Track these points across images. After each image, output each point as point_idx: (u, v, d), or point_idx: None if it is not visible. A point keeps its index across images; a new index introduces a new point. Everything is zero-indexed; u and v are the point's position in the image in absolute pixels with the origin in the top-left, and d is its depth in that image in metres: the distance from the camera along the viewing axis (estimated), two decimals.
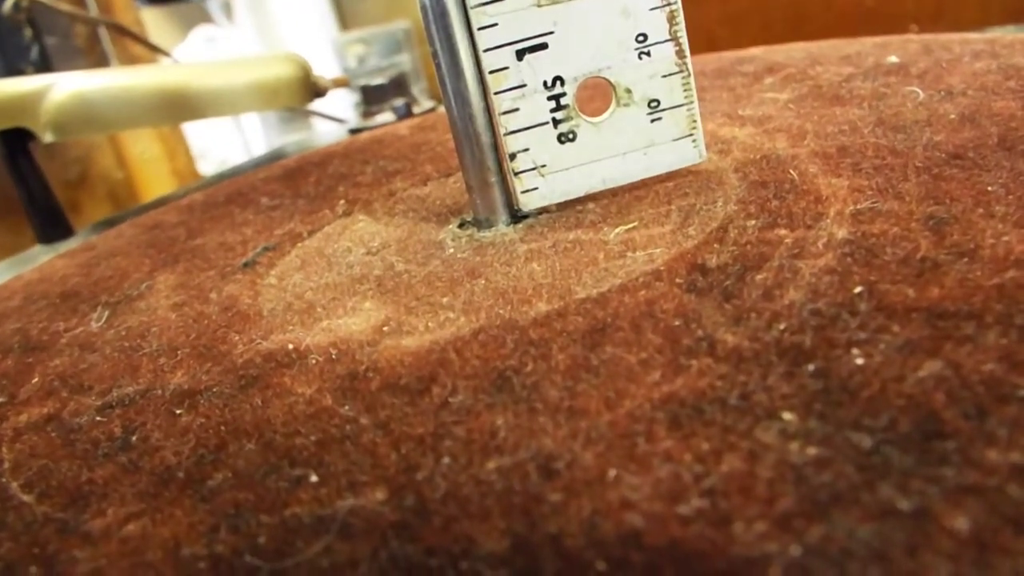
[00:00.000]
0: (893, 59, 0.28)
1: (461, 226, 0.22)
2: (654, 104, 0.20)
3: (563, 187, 0.21)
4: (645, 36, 0.20)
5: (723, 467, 0.10)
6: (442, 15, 0.19)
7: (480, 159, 0.20)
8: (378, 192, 0.28)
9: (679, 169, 0.21)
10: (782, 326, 0.13)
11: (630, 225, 0.19)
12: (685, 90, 0.20)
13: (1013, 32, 0.34)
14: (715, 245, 0.17)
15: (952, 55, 0.27)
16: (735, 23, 0.56)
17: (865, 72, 0.27)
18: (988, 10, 0.48)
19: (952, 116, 0.21)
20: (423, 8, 0.19)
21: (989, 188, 0.16)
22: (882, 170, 0.18)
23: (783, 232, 0.16)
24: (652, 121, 0.20)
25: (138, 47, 0.76)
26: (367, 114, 0.48)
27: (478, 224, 0.21)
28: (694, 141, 0.21)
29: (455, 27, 0.19)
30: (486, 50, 0.19)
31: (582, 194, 0.21)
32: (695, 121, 0.20)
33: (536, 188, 0.20)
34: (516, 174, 0.20)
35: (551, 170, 0.20)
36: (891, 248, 0.14)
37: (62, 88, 0.36)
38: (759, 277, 0.15)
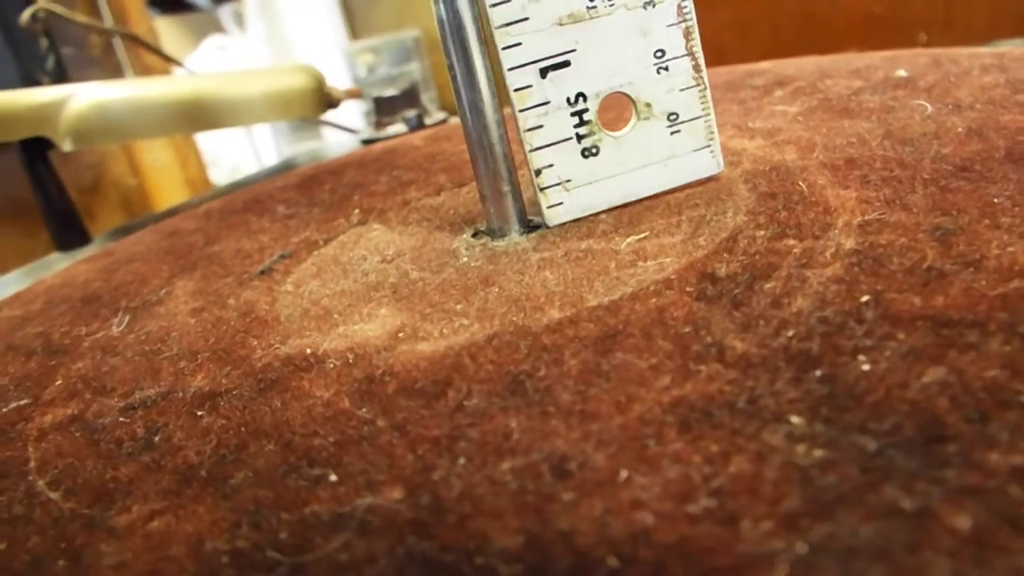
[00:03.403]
0: (902, 73, 0.28)
1: (475, 235, 0.22)
2: (673, 117, 0.21)
3: (587, 201, 0.21)
4: (663, 52, 0.20)
5: (731, 468, 0.10)
6: (458, 28, 0.19)
7: (494, 169, 0.21)
8: (392, 201, 0.28)
9: (690, 180, 0.22)
10: (790, 333, 0.13)
11: (641, 235, 0.19)
12: (702, 102, 0.21)
13: (1022, 46, 0.35)
14: (724, 255, 0.17)
15: (961, 69, 0.27)
16: (744, 30, 0.56)
17: (874, 85, 0.27)
18: (998, 20, 0.48)
19: (960, 129, 0.21)
20: (439, 21, 0.20)
21: (995, 200, 0.16)
22: (890, 182, 0.18)
23: (792, 242, 0.17)
24: (672, 134, 0.21)
25: (152, 57, 0.77)
26: (379, 125, 0.48)
27: (491, 233, 0.22)
28: (712, 152, 0.21)
29: (471, 40, 0.19)
30: (510, 69, 0.20)
31: (605, 208, 0.21)
32: (712, 132, 0.21)
33: (561, 203, 0.21)
34: (541, 190, 0.21)
35: (575, 185, 0.21)
36: (898, 258, 0.15)
37: (82, 98, 0.37)
38: (768, 286, 0.15)
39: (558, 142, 0.20)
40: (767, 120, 0.26)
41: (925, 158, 0.19)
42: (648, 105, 0.20)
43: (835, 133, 0.23)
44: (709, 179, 0.22)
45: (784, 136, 0.24)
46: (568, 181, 0.21)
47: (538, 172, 0.21)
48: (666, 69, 0.20)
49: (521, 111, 0.20)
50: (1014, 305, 0.12)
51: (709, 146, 0.21)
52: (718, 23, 0.58)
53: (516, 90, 0.20)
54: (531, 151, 0.20)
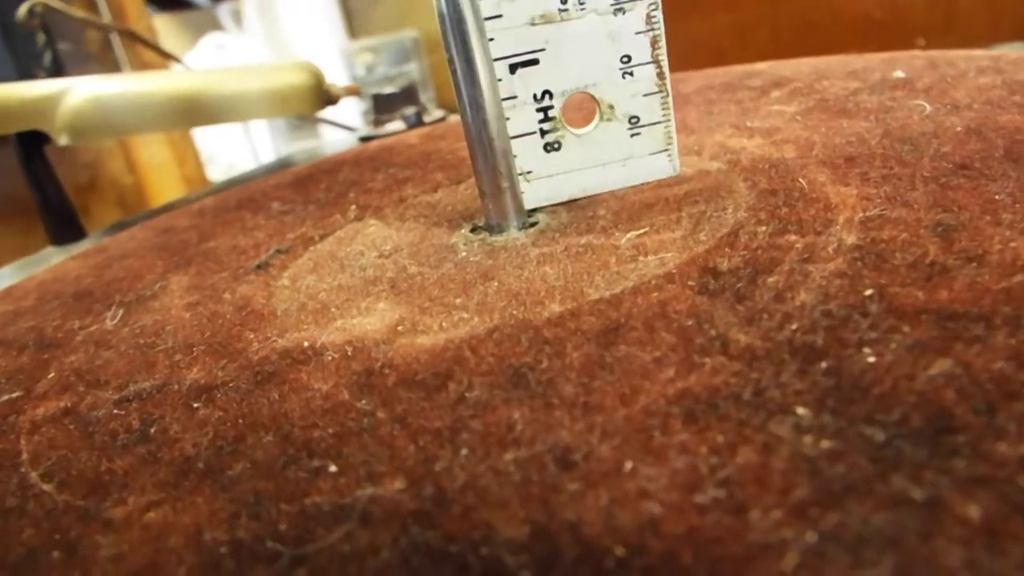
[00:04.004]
0: (899, 74, 0.28)
1: (473, 231, 0.22)
2: (634, 120, 0.21)
3: (545, 193, 0.22)
4: (629, 58, 0.21)
5: (738, 459, 0.10)
6: (459, 23, 0.19)
7: (493, 165, 0.21)
8: (389, 198, 0.28)
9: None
10: (794, 326, 0.13)
11: (641, 231, 0.19)
12: (663, 109, 0.21)
13: (1019, 49, 0.35)
14: (726, 249, 0.17)
15: (957, 70, 0.27)
16: (743, 34, 0.56)
17: (872, 86, 0.27)
18: (998, 25, 0.48)
19: (958, 128, 0.21)
20: (440, 15, 0.19)
21: (996, 197, 0.16)
22: (890, 179, 0.18)
23: (793, 238, 0.17)
24: (632, 136, 0.22)
25: (149, 53, 0.77)
26: (377, 122, 0.48)
27: (490, 229, 0.22)
28: (669, 156, 0.22)
29: (471, 35, 0.19)
30: None
31: (563, 200, 0.22)
32: (671, 137, 0.22)
33: (522, 193, 0.22)
34: None
35: (536, 176, 0.22)
36: (900, 253, 0.15)
37: (79, 92, 0.37)
38: (770, 280, 0.15)
39: (522, 135, 0.21)
40: (765, 120, 0.26)
41: (925, 156, 0.19)
42: (611, 107, 0.21)
43: (834, 132, 0.23)
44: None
45: (783, 135, 0.24)
46: (529, 172, 0.22)
47: None
48: (631, 74, 0.21)
49: None
50: (1018, 299, 0.12)
51: (667, 150, 0.22)
52: (718, 26, 0.58)
53: None
54: None
